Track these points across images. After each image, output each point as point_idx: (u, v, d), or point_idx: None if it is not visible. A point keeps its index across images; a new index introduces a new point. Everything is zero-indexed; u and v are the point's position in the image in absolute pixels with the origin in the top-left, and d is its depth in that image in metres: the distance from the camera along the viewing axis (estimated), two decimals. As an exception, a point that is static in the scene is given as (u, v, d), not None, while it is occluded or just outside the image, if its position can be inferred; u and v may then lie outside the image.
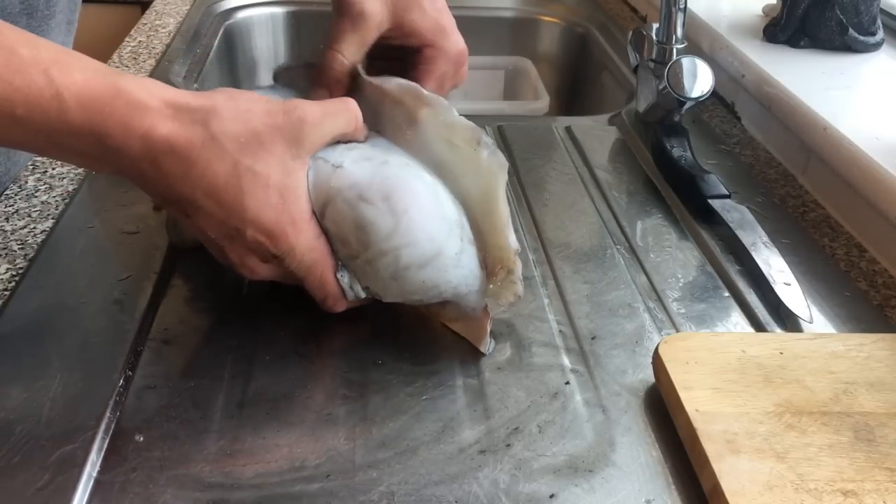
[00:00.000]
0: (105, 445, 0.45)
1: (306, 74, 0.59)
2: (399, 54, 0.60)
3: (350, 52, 0.57)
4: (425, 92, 0.53)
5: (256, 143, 0.46)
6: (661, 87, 0.76)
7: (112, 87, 0.42)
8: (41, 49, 0.41)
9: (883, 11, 0.94)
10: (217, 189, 0.46)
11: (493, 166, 0.51)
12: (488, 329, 0.53)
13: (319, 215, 0.50)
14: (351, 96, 0.53)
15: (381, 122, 0.55)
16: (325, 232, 0.50)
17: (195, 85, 0.96)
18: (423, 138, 0.53)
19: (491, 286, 0.52)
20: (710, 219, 0.68)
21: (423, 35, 0.59)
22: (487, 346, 0.53)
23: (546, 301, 0.58)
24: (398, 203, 0.50)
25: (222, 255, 0.50)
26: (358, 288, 0.52)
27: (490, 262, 0.52)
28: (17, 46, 0.40)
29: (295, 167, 0.48)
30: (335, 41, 0.57)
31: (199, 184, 0.45)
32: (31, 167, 0.72)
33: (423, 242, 0.50)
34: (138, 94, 0.43)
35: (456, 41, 0.59)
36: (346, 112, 0.51)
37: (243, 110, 0.46)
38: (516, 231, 0.52)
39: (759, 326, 0.57)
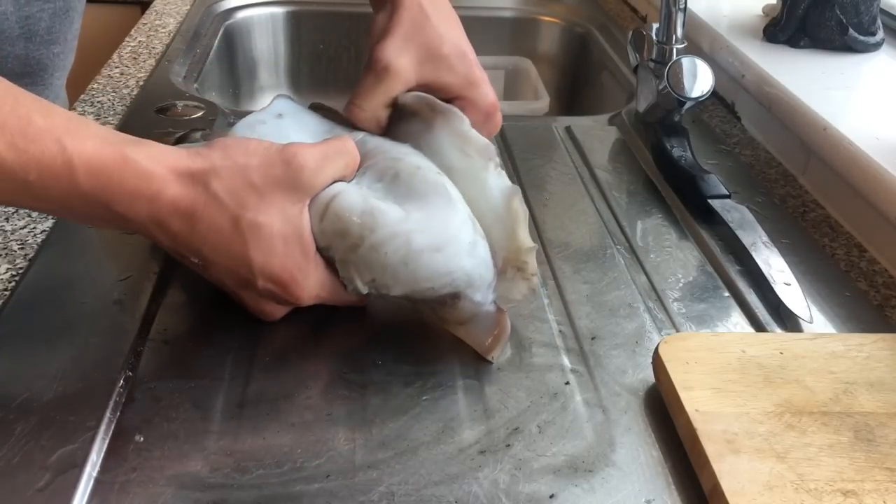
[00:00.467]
0: (105, 445, 0.45)
1: (335, 115, 0.59)
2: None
3: (372, 107, 0.56)
4: (439, 102, 0.53)
5: (256, 197, 0.47)
6: (661, 87, 0.76)
7: (120, 156, 0.44)
8: (55, 117, 0.43)
9: (883, 11, 0.94)
10: (223, 243, 0.48)
11: (504, 187, 0.52)
12: (506, 335, 0.53)
13: (319, 218, 0.50)
14: None
15: (398, 134, 0.55)
16: (323, 235, 0.50)
17: (195, 85, 0.96)
18: (437, 145, 0.53)
19: (502, 283, 0.52)
20: (710, 219, 0.68)
21: (451, 90, 0.58)
22: (496, 354, 0.52)
23: (546, 301, 0.58)
24: (409, 191, 0.50)
25: (241, 302, 0.53)
26: (359, 283, 0.50)
27: (502, 262, 0.52)
28: (32, 115, 0.42)
29: (295, 212, 0.49)
30: (358, 96, 0.56)
31: (206, 240, 0.48)
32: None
33: (437, 226, 0.50)
34: (144, 163, 0.45)
35: (486, 93, 0.58)
36: (345, 154, 0.51)
37: (241, 166, 0.47)
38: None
39: (759, 326, 0.57)
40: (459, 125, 0.53)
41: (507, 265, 0.52)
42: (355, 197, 0.50)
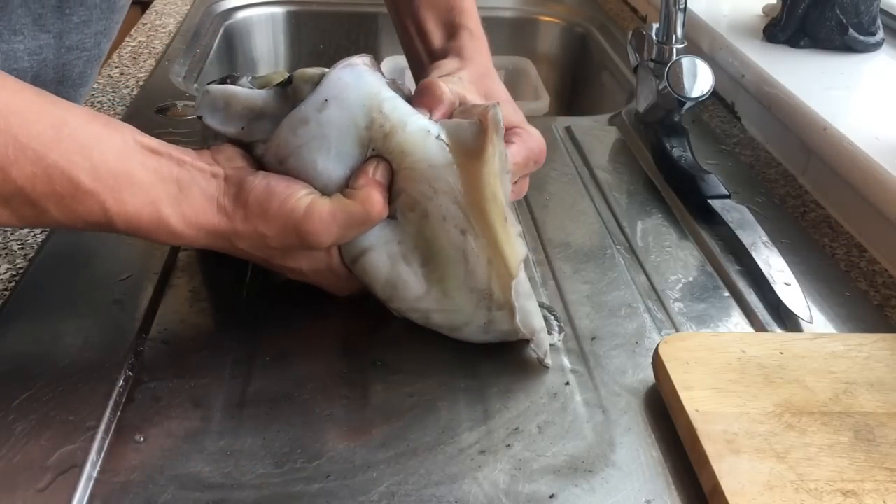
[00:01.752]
0: (105, 445, 0.45)
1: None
2: None
3: (448, 88, 0.55)
4: (500, 133, 0.52)
5: (280, 254, 0.51)
6: (661, 87, 0.76)
7: (156, 217, 0.48)
8: (101, 178, 0.46)
9: (883, 11, 0.94)
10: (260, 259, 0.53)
11: (517, 250, 0.51)
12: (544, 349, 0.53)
13: (350, 260, 0.52)
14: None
15: (456, 138, 0.52)
16: (353, 269, 0.53)
17: (195, 85, 0.96)
18: (481, 171, 0.51)
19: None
20: (710, 219, 0.68)
21: (510, 123, 0.57)
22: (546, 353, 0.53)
23: (546, 301, 0.58)
24: (434, 272, 0.52)
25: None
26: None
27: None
28: (80, 178, 0.45)
29: (321, 254, 0.52)
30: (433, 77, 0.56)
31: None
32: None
33: (452, 313, 0.53)
34: (176, 226, 0.48)
35: (535, 140, 0.57)
36: (365, 222, 0.50)
37: (260, 235, 0.50)
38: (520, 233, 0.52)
39: (759, 326, 0.57)
40: (501, 164, 0.51)
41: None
42: (383, 258, 0.52)
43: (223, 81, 0.57)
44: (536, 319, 0.52)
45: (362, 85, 0.51)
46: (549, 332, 0.54)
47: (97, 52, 0.72)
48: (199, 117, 0.54)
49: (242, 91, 0.55)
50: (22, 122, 0.44)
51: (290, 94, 0.53)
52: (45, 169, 0.44)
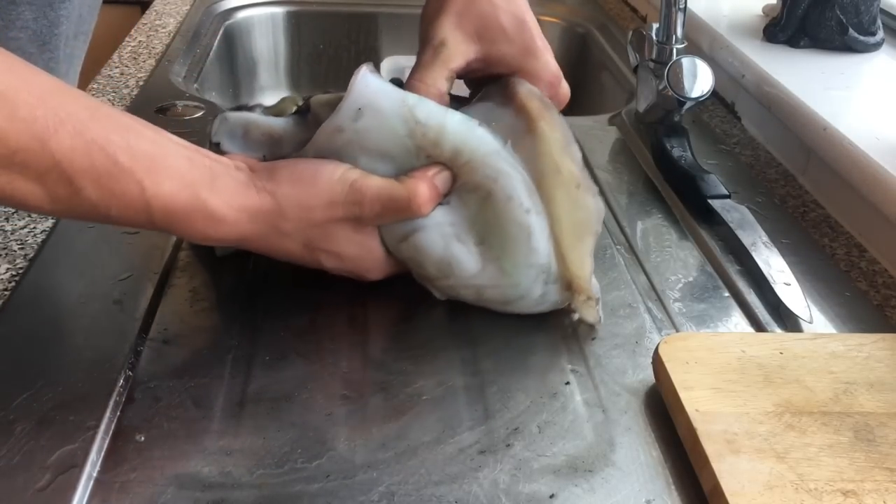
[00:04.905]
0: (105, 445, 0.45)
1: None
2: (488, 83, 0.58)
3: (433, 79, 0.55)
4: (549, 106, 0.53)
5: (322, 233, 0.51)
6: (661, 87, 0.76)
7: (194, 200, 0.47)
8: (137, 158, 0.45)
9: (883, 11, 0.94)
10: (294, 258, 0.53)
11: (591, 208, 0.52)
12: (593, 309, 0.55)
13: (397, 240, 0.53)
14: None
15: (502, 121, 0.53)
16: (397, 251, 0.53)
17: (195, 85, 0.96)
18: (537, 150, 0.52)
19: (573, 303, 0.55)
20: (710, 219, 0.68)
21: (510, 62, 0.57)
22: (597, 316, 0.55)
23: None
24: (491, 250, 0.52)
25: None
26: (434, 290, 0.56)
27: (573, 286, 0.54)
28: (118, 155, 0.44)
29: (360, 237, 0.52)
30: (418, 71, 0.56)
31: (277, 255, 0.53)
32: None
33: (508, 288, 0.53)
34: (217, 209, 0.48)
35: (547, 62, 0.58)
36: (405, 211, 0.51)
37: (306, 208, 0.50)
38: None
39: (759, 326, 0.57)
40: (564, 135, 0.52)
41: (577, 291, 0.54)
42: (436, 238, 0.52)
43: (236, 111, 0.58)
44: (595, 286, 0.54)
45: (389, 90, 0.52)
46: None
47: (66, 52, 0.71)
48: (216, 144, 0.54)
49: (261, 118, 0.55)
50: (60, 101, 0.43)
51: (310, 120, 0.54)
52: (85, 143, 0.43)
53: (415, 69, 0.56)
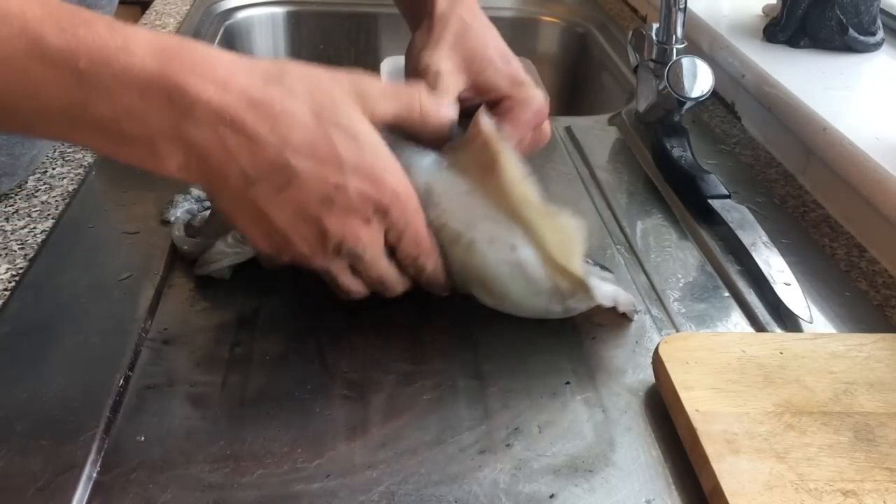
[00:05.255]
0: (105, 445, 0.45)
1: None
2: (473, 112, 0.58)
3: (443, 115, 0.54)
4: (509, 141, 0.53)
5: (330, 101, 0.45)
6: (661, 87, 0.76)
7: (181, 42, 0.41)
8: (103, 15, 0.40)
9: (883, 11, 0.94)
10: (309, 143, 0.44)
11: (571, 226, 0.51)
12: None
13: None
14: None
15: (466, 159, 0.53)
16: None
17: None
18: (504, 183, 0.51)
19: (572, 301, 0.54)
20: (710, 219, 0.68)
21: (500, 89, 0.57)
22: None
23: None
24: (495, 293, 0.53)
25: (319, 234, 0.47)
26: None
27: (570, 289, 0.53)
28: (81, 10, 0.39)
29: (369, 128, 0.46)
30: None
31: (288, 140, 0.43)
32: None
33: (530, 313, 0.54)
34: (208, 50, 0.41)
35: (534, 94, 0.58)
36: (406, 97, 0.49)
37: (311, 73, 0.45)
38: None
39: (759, 326, 0.57)
40: (521, 167, 0.52)
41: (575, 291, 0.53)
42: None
43: None
44: (606, 286, 0.54)
45: None
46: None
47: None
48: None
49: None
50: None
51: None
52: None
53: None
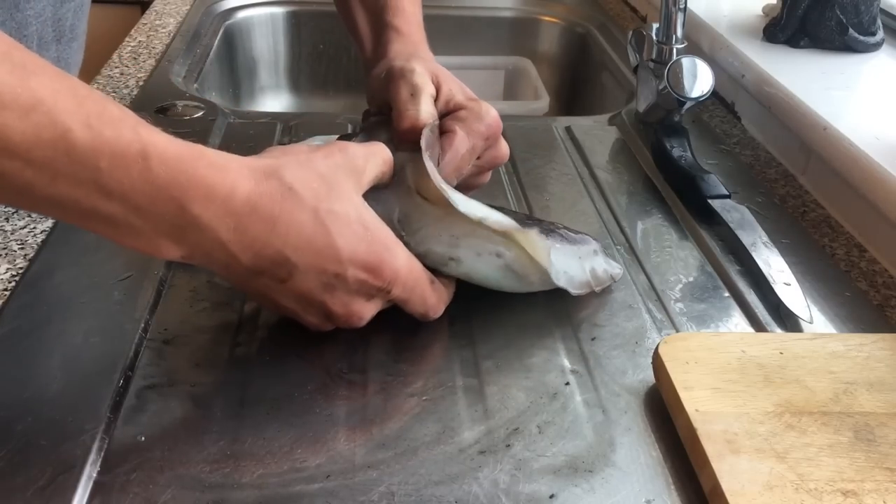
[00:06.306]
0: (105, 445, 0.45)
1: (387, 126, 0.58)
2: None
3: (423, 108, 0.57)
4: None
5: (326, 186, 0.47)
6: (661, 87, 0.76)
7: (193, 149, 0.43)
8: (126, 111, 0.42)
9: (883, 11, 0.94)
10: (306, 239, 0.46)
11: (535, 240, 0.53)
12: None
13: None
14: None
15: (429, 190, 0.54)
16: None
17: (195, 85, 0.96)
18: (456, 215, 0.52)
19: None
20: (710, 219, 0.68)
21: (458, 101, 0.59)
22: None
23: (546, 301, 0.58)
24: (499, 291, 0.56)
25: (325, 315, 0.50)
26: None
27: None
28: (107, 103, 0.41)
29: (361, 201, 0.49)
30: (405, 109, 0.56)
31: (287, 239, 0.46)
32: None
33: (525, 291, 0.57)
34: (217, 157, 0.44)
35: (488, 107, 0.59)
36: (382, 153, 0.52)
37: (305, 160, 0.48)
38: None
39: (759, 326, 0.57)
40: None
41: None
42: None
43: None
44: (579, 274, 0.56)
45: None
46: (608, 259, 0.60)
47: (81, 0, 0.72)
48: None
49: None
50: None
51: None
52: (69, 87, 0.39)
53: (402, 110, 0.56)
